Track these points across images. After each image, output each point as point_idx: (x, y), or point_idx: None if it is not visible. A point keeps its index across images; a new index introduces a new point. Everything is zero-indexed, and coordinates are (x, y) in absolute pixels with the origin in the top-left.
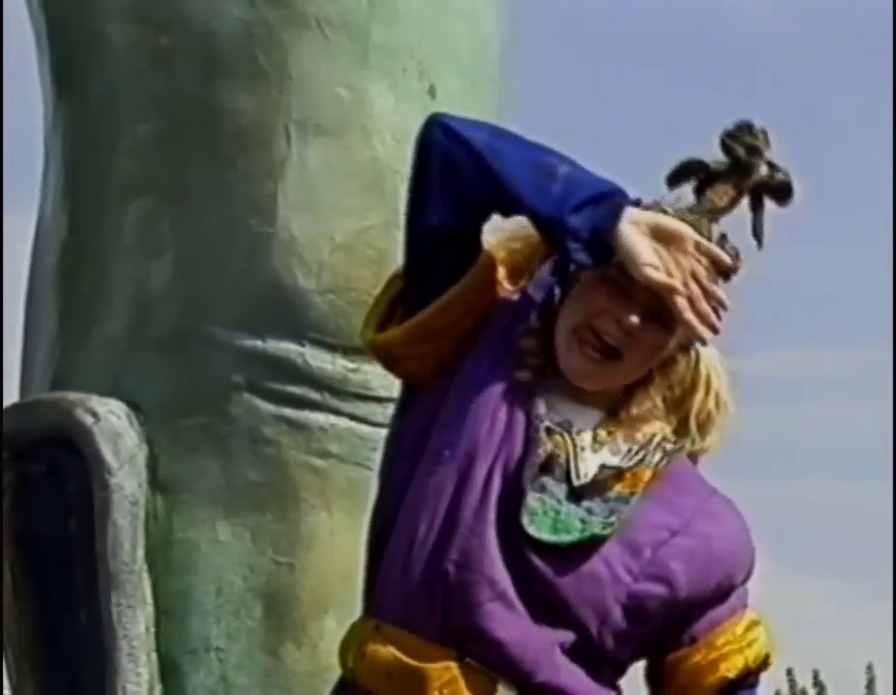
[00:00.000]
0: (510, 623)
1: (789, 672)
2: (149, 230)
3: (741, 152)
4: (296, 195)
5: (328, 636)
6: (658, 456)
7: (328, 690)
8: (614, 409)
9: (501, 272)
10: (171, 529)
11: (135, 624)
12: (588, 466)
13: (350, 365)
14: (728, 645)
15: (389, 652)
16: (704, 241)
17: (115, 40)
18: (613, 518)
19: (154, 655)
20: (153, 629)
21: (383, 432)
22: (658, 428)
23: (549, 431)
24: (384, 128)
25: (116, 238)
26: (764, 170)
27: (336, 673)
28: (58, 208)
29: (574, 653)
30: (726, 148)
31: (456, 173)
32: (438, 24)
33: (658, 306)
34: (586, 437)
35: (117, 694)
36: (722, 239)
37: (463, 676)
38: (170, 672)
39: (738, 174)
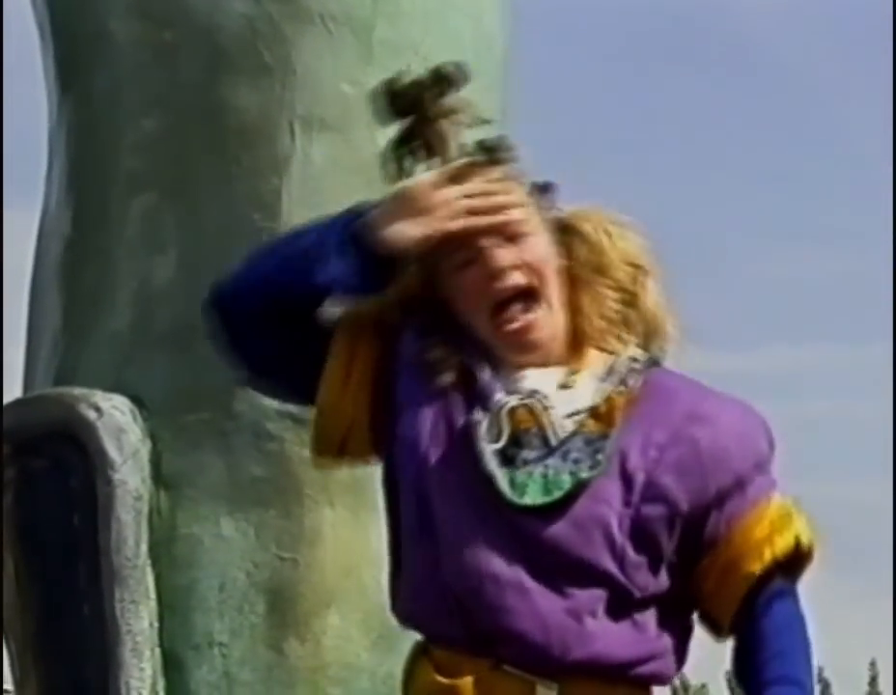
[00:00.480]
0: (526, 610)
1: None
2: (152, 225)
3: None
4: (300, 191)
5: (331, 631)
6: (630, 378)
7: (331, 685)
8: (570, 354)
9: (373, 329)
10: (174, 524)
11: (139, 619)
12: (562, 422)
13: None
14: (747, 540)
15: (427, 672)
16: (438, 172)
17: (118, 36)
18: (599, 457)
19: (157, 651)
20: (156, 625)
21: None
22: (621, 350)
23: (513, 410)
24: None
25: (120, 234)
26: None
27: (338, 668)
28: (62, 203)
29: (607, 609)
30: (396, 109)
31: (251, 313)
32: (442, 21)
33: (501, 231)
34: (554, 395)
35: (120, 689)
36: (494, 147)
37: (498, 685)
38: (173, 667)
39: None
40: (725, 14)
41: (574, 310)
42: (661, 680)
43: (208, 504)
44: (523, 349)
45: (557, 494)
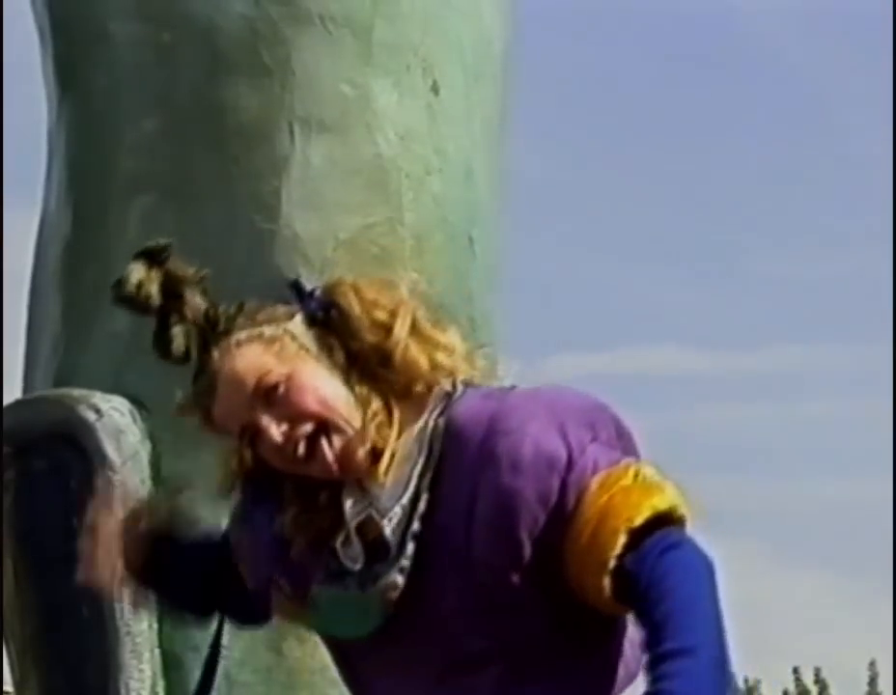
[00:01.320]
0: None
1: (795, 670)
2: (152, 226)
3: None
4: (300, 192)
5: None
6: (434, 442)
7: (330, 687)
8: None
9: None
10: None
11: (138, 620)
12: (394, 525)
13: None
14: (594, 525)
15: None
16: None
17: (118, 37)
18: (402, 563)
19: (156, 652)
20: (155, 626)
21: None
22: (413, 424)
23: (360, 527)
24: (388, 125)
25: (119, 234)
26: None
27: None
28: (62, 203)
29: (515, 673)
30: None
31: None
32: (441, 21)
33: (260, 396)
34: (382, 495)
35: (120, 690)
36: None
37: None
38: (173, 668)
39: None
40: (732, 15)
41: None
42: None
43: (207, 506)
44: (350, 475)
45: (370, 626)
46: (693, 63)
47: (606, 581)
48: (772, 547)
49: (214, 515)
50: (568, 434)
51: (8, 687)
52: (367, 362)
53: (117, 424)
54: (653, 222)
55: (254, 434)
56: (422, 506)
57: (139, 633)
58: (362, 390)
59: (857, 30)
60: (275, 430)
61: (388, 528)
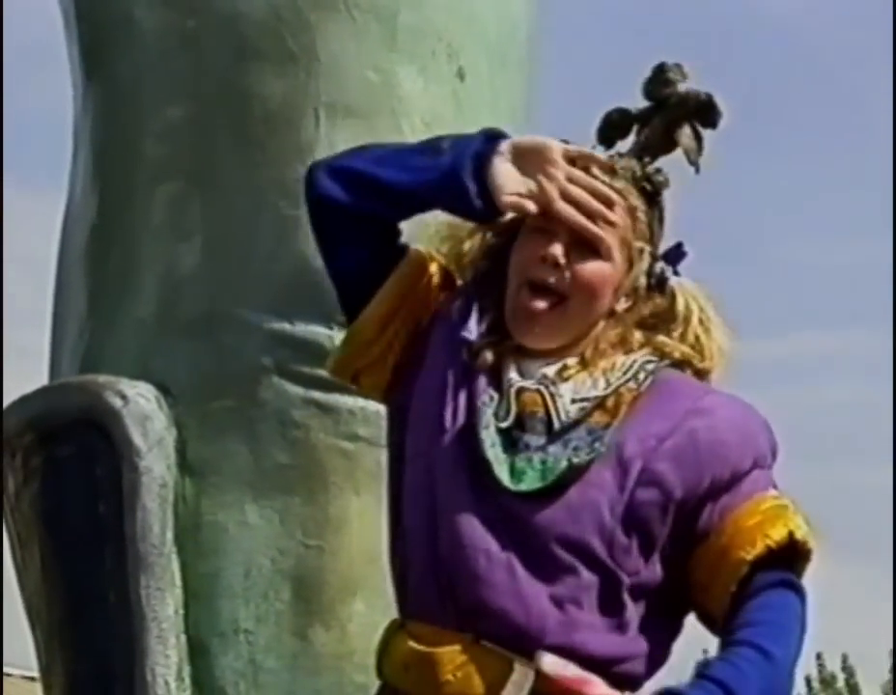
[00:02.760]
0: (511, 589)
1: (818, 656)
2: (178, 213)
3: (656, 89)
4: None
5: (357, 619)
6: (641, 375)
7: (356, 672)
8: (591, 351)
9: (434, 276)
10: (200, 512)
11: (164, 606)
12: (568, 408)
13: None
14: (740, 529)
15: (406, 644)
16: (571, 147)
17: (143, 23)
18: (597, 445)
19: (182, 637)
20: (181, 612)
21: None
22: (638, 354)
23: (521, 391)
24: (413, 112)
25: (145, 221)
26: (679, 98)
27: (364, 655)
28: (87, 190)
29: (594, 601)
30: (645, 92)
31: (347, 205)
32: (466, 6)
33: (582, 236)
34: (564, 384)
35: (146, 676)
36: (644, 167)
37: (477, 658)
38: (199, 654)
39: (659, 110)
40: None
41: (592, 341)
42: (634, 682)
43: (233, 491)
44: (524, 331)
45: (551, 479)
46: (716, 47)
47: (729, 585)
48: None
49: (240, 501)
50: (769, 443)
51: (30, 673)
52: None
53: (143, 410)
54: (677, 206)
55: (541, 227)
56: (610, 406)
57: (165, 619)
58: (607, 333)
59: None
60: (558, 252)
61: (553, 405)
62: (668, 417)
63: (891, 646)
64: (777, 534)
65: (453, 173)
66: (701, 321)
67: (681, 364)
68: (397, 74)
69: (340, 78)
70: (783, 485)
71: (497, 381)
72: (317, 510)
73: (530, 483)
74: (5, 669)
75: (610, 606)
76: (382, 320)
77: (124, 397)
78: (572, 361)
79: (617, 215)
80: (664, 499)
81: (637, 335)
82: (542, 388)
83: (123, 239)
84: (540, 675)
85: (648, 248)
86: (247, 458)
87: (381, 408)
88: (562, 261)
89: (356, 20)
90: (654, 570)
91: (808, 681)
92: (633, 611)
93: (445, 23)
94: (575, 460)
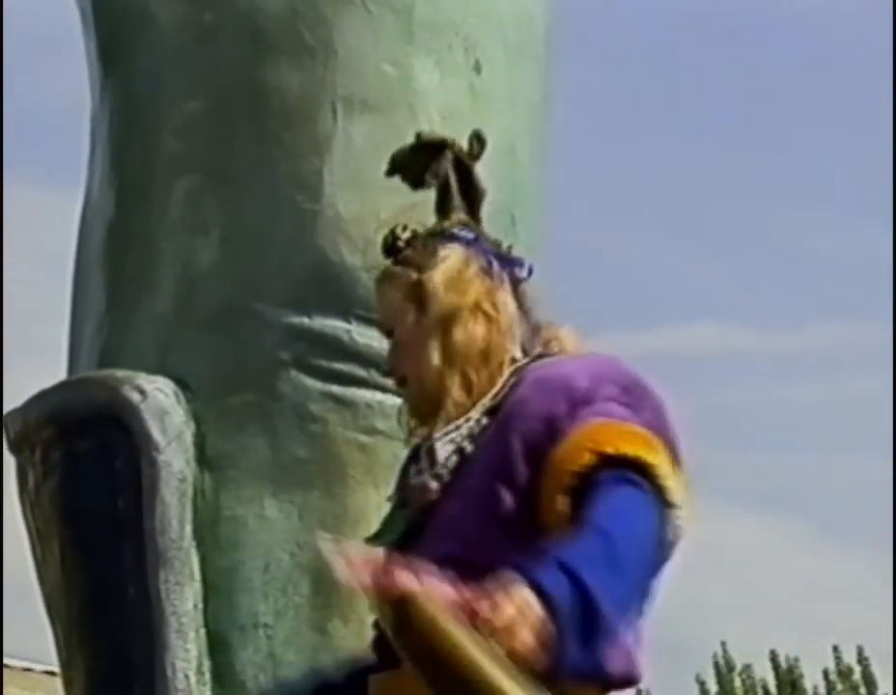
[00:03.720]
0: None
1: (835, 649)
2: (195, 207)
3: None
4: (342, 172)
5: None
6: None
7: None
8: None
9: None
10: (218, 506)
11: (183, 600)
12: (442, 451)
13: None
14: (566, 450)
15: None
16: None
17: (160, 17)
18: (444, 472)
19: (202, 632)
20: (201, 606)
21: None
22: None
23: (411, 459)
24: (430, 105)
25: (163, 216)
26: (441, 179)
27: None
28: (105, 186)
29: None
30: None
31: None
32: (482, 0)
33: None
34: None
35: (166, 670)
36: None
37: None
38: (219, 648)
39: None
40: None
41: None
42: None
43: (252, 485)
44: (419, 423)
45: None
46: (740, 40)
47: (563, 496)
48: (816, 526)
49: (259, 495)
50: (598, 383)
51: (50, 668)
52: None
53: (161, 404)
54: (696, 198)
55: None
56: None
57: (184, 613)
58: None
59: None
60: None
61: (438, 443)
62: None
63: None
64: (603, 444)
65: None
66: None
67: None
68: (413, 68)
69: (356, 72)
70: (804, 475)
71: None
72: (335, 504)
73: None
74: (27, 664)
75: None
76: None
77: (142, 391)
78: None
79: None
80: (508, 472)
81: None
82: (424, 444)
83: (140, 235)
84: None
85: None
86: (266, 452)
87: (399, 402)
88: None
89: (373, 14)
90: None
91: (826, 673)
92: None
93: (462, 16)
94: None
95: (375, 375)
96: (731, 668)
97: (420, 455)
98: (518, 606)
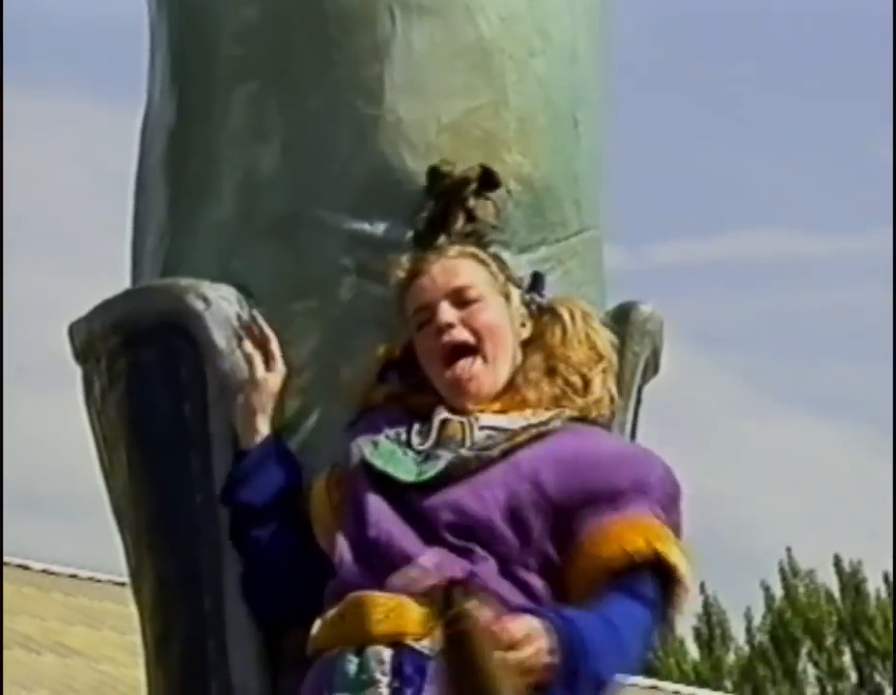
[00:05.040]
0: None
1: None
2: (256, 114)
3: (437, 186)
4: (402, 76)
5: None
6: (551, 422)
7: None
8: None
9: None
10: (282, 412)
11: None
12: (477, 434)
13: None
14: (607, 535)
15: (342, 603)
16: None
17: None
18: (486, 453)
19: None
20: None
21: None
22: (556, 393)
23: (445, 422)
24: (489, 7)
25: (223, 124)
26: (456, 180)
27: None
28: (165, 95)
29: (496, 570)
30: (431, 194)
31: None
32: None
33: (455, 296)
34: (485, 416)
35: (233, 579)
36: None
37: (406, 604)
38: None
39: (446, 199)
40: None
41: (521, 372)
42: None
43: (316, 390)
44: (463, 394)
45: (433, 471)
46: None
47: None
48: (882, 431)
49: (324, 401)
50: (666, 475)
51: (113, 578)
52: (552, 355)
53: (225, 312)
54: (760, 103)
55: (428, 317)
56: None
57: None
58: (530, 360)
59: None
60: (447, 315)
61: (469, 431)
62: (560, 445)
63: None
64: (637, 545)
65: None
66: (584, 320)
67: (581, 418)
68: None
69: None
70: (868, 381)
71: (424, 421)
72: None
73: (424, 476)
74: (95, 575)
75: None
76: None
77: (206, 300)
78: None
79: (466, 265)
80: (541, 497)
81: (545, 395)
82: (464, 420)
83: (201, 143)
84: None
85: (508, 279)
86: (330, 359)
87: None
88: (454, 320)
89: None
90: (533, 558)
91: (887, 577)
92: (530, 577)
93: None
94: (463, 453)
95: None
96: (795, 573)
97: (461, 419)
98: (532, 628)
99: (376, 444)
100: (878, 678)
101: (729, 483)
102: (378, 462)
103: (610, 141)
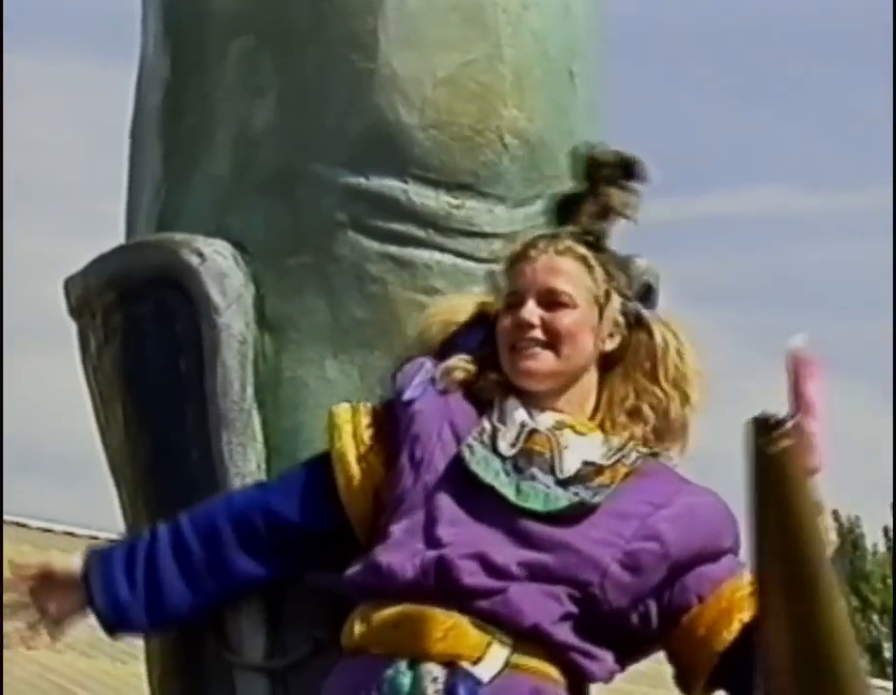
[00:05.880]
0: (500, 596)
1: (895, 508)
2: (251, 68)
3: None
4: (397, 30)
5: None
6: (633, 456)
7: None
8: (594, 415)
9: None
10: (279, 367)
11: (246, 461)
12: (571, 462)
13: (454, 201)
14: (739, 594)
15: (397, 609)
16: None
17: None
18: (598, 497)
19: None
20: (263, 466)
21: (488, 268)
22: (636, 433)
23: (533, 432)
24: None
25: (218, 78)
26: (594, 161)
27: None
28: (159, 51)
29: (574, 613)
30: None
31: None
32: None
33: (547, 296)
34: (568, 435)
35: None
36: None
37: (465, 625)
38: None
39: (594, 197)
40: None
41: (604, 390)
42: (589, 676)
43: (312, 347)
44: (526, 375)
45: (553, 507)
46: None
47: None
48: (879, 387)
49: (320, 356)
50: (739, 529)
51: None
52: (638, 379)
53: (220, 267)
54: (757, 59)
55: (516, 302)
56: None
57: (248, 474)
58: (617, 391)
59: None
60: (531, 314)
61: (557, 452)
62: (659, 494)
63: None
64: (744, 610)
65: None
66: (678, 351)
67: (657, 454)
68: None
69: None
70: (869, 337)
71: (499, 415)
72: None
73: (533, 503)
74: (92, 532)
75: (589, 624)
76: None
77: (200, 254)
78: (572, 419)
79: (570, 267)
80: (662, 552)
81: (623, 416)
82: (551, 435)
83: (196, 98)
84: (516, 648)
85: (611, 289)
86: (325, 313)
87: (458, 261)
88: (535, 321)
89: None
90: (631, 608)
91: (885, 531)
92: (603, 635)
93: None
94: (582, 496)
95: (433, 235)
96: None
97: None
98: None
99: (471, 448)
100: (874, 632)
101: (727, 442)
102: (481, 471)
103: (606, 93)
